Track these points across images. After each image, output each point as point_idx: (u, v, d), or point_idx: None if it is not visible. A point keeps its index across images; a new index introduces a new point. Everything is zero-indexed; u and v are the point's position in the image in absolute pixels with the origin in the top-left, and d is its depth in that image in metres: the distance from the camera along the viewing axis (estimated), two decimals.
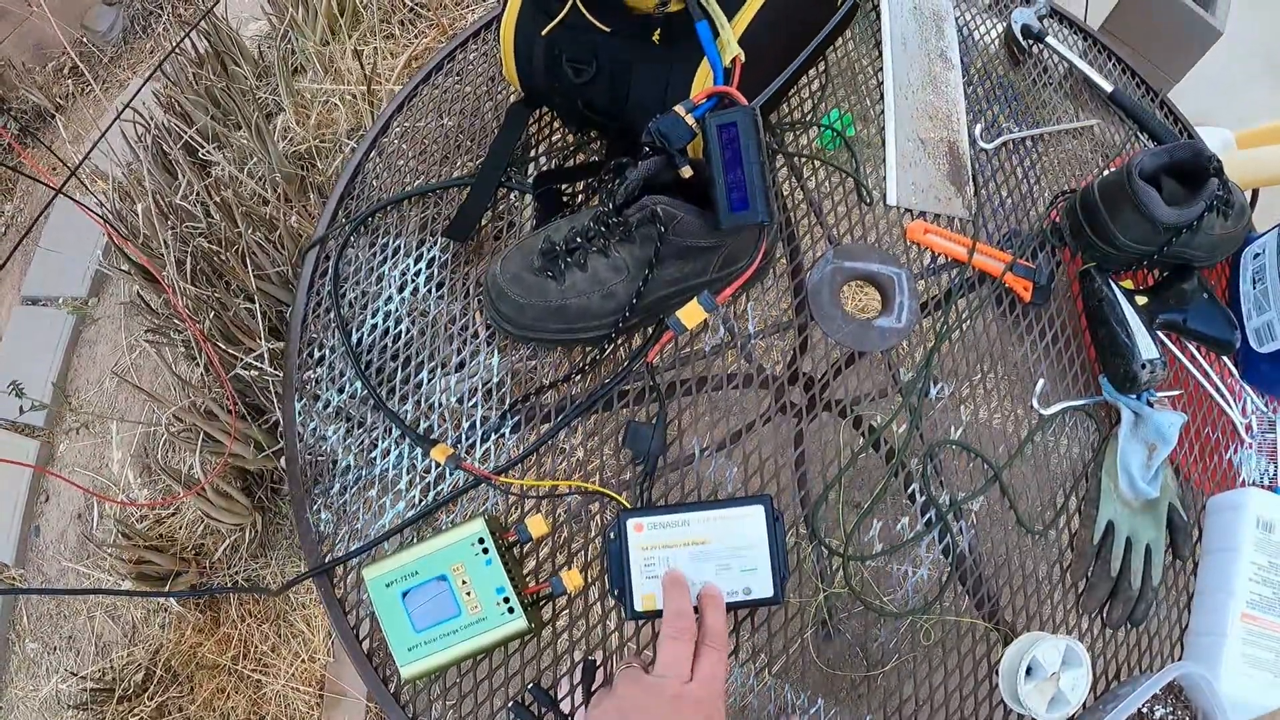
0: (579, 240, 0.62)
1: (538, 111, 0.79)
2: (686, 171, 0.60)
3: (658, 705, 0.47)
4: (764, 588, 0.56)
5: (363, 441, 0.68)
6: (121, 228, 1.17)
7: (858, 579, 0.64)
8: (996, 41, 0.92)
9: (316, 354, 0.71)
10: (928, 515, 0.66)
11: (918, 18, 0.89)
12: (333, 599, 0.64)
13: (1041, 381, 0.72)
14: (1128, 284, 0.76)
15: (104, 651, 1.38)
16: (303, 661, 1.29)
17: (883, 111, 0.82)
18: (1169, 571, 0.69)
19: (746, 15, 0.65)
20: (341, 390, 0.70)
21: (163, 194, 1.18)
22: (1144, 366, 0.69)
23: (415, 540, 0.61)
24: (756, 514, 0.57)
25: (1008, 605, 0.65)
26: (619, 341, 0.67)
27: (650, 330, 0.67)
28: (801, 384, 0.71)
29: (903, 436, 0.68)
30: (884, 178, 0.78)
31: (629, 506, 0.61)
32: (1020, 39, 0.91)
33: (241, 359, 1.08)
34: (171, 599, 1.28)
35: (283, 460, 1.22)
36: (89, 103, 1.77)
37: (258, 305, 1.09)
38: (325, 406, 0.69)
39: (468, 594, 0.58)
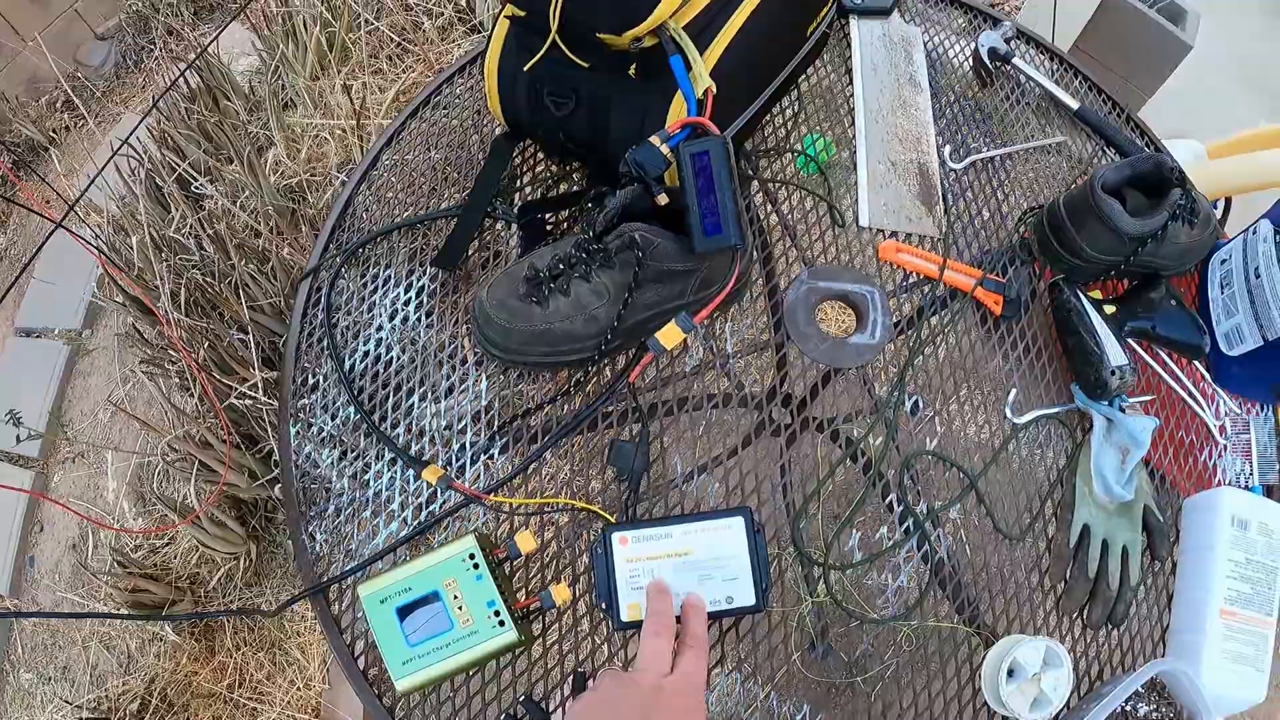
0: (562, 266, 0.64)
1: (521, 144, 0.82)
2: (662, 199, 0.62)
3: (637, 695, 0.48)
4: (746, 596, 0.58)
5: (356, 465, 0.70)
6: (116, 260, 1.20)
7: (839, 588, 0.65)
8: (965, 65, 0.96)
9: (310, 380, 0.73)
10: (906, 524, 0.68)
11: (887, 44, 0.92)
12: (328, 618, 0.65)
13: (1014, 391, 0.75)
14: (1096, 294, 0.78)
15: (99, 681, 1.38)
16: (298, 689, 1.29)
17: (854, 136, 0.85)
18: (1148, 572, 0.70)
19: (718, 48, 0.68)
20: (334, 416, 0.72)
21: (157, 227, 1.21)
22: (1113, 373, 0.71)
23: (408, 559, 0.63)
24: (737, 525, 0.59)
25: (988, 609, 0.67)
26: (602, 364, 0.70)
27: (632, 353, 0.70)
28: (780, 400, 0.73)
29: (879, 448, 0.70)
30: (856, 200, 0.81)
31: (614, 522, 0.63)
32: (987, 61, 0.94)
33: (236, 388, 1.10)
34: (167, 627, 1.28)
35: (277, 489, 1.24)
36: (82, 136, 1.80)
37: (251, 336, 1.11)
38: (319, 431, 0.71)
39: (460, 608, 0.59)
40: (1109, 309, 0.77)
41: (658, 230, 0.61)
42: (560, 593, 0.61)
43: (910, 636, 0.65)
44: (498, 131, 0.82)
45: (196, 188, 1.33)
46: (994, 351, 0.77)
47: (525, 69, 0.70)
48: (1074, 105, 0.94)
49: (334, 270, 0.77)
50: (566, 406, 0.69)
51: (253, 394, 1.10)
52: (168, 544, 1.33)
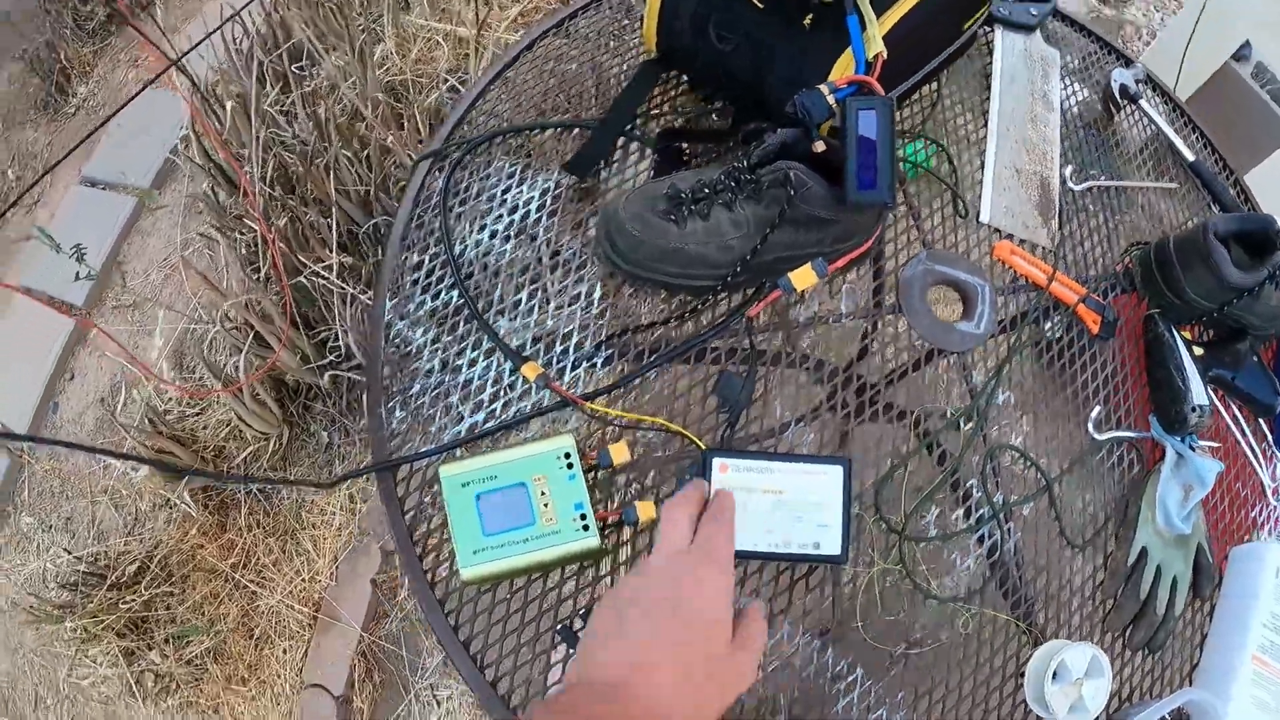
0: (706, 191, 0.64)
1: (663, 76, 0.82)
2: (819, 146, 0.63)
3: (653, 574, 0.46)
4: (833, 545, 0.59)
5: (450, 349, 0.69)
6: (210, 118, 1.19)
7: (911, 558, 0.66)
8: (1092, 98, 0.97)
9: (415, 259, 0.73)
10: (980, 512, 0.69)
11: (1027, 60, 0.93)
12: (392, 495, 0.64)
13: (1098, 408, 0.76)
14: (1186, 334, 0.80)
15: (100, 538, 1.38)
16: (303, 580, 1.29)
17: (984, 136, 0.86)
18: (1187, 609, 0.72)
19: (892, 17, 0.68)
20: (435, 298, 0.72)
21: (252, 100, 1.20)
22: (1194, 410, 0.73)
23: (488, 452, 0.62)
24: (834, 474, 0.60)
25: (1041, 610, 0.68)
26: (721, 295, 0.70)
27: (750, 292, 0.70)
28: (875, 374, 0.74)
29: (967, 435, 0.71)
30: (979, 196, 0.82)
31: (706, 449, 0.63)
32: (1117, 97, 0.95)
33: (309, 266, 1.10)
34: (186, 495, 1.28)
35: (325, 378, 1.24)
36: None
37: (334, 218, 1.11)
38: (417, 309, 0.71)
39: (545, 505, 0.59)
40: (1197, 350, 0.79)
41: (812, 173, 0.62)
42: (645, 509, 0.61)
43: (966, 620, 0.66)
44: (627, 67, 0.83)
45: (298, 68, 1.32)
46: (1084, 368, 0.78)
47: None
48: (1190, 157, 0.95)
49: (459, 154, 0.76)
50: (678, 330, 0.70)
51: (325, 275, 1.10)
52: (200, 412, 1.32)
